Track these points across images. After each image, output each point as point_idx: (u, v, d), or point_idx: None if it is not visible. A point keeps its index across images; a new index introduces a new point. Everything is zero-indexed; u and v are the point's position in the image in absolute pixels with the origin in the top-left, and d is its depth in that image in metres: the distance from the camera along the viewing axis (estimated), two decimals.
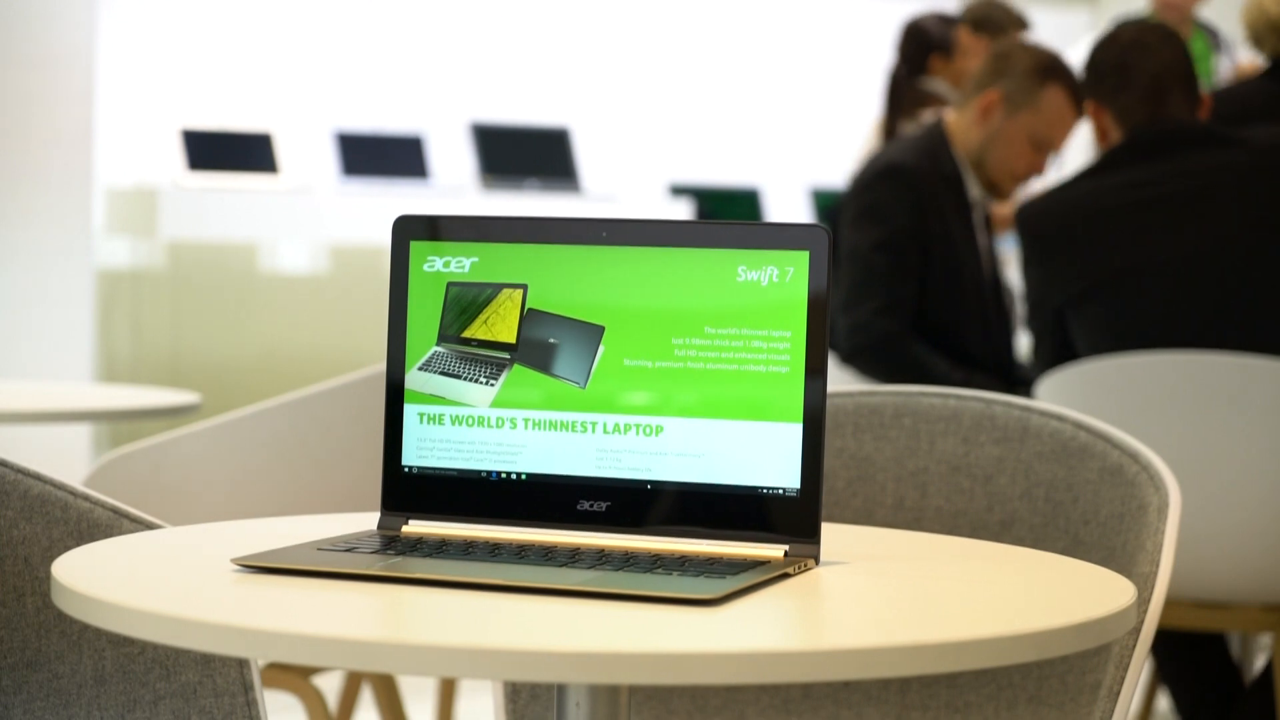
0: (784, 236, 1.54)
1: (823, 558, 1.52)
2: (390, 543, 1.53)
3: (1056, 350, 3.34)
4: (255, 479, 2.84)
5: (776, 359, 1.53)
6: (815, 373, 1.52)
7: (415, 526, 1.60)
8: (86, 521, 1.79)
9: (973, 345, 3.77)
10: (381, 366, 2.25)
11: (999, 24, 5.55)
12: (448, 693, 3.40)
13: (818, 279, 1.52)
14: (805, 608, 1.40)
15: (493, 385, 1.59)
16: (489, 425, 1.59)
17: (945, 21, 5.84)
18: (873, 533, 1.72)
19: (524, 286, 1.59)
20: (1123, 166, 3.28)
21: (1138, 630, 1.74)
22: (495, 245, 1.60)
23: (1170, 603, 2.96)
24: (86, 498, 1.79)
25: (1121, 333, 3.19)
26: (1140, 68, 3.30)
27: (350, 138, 6.21)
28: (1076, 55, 6.21)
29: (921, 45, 5.78)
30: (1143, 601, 1.75)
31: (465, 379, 1.60)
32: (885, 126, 5.34)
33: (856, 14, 7.58)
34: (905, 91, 5.51)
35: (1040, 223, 3.32)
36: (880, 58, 6.74)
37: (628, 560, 1.46)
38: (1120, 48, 3.34)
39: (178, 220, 5.77)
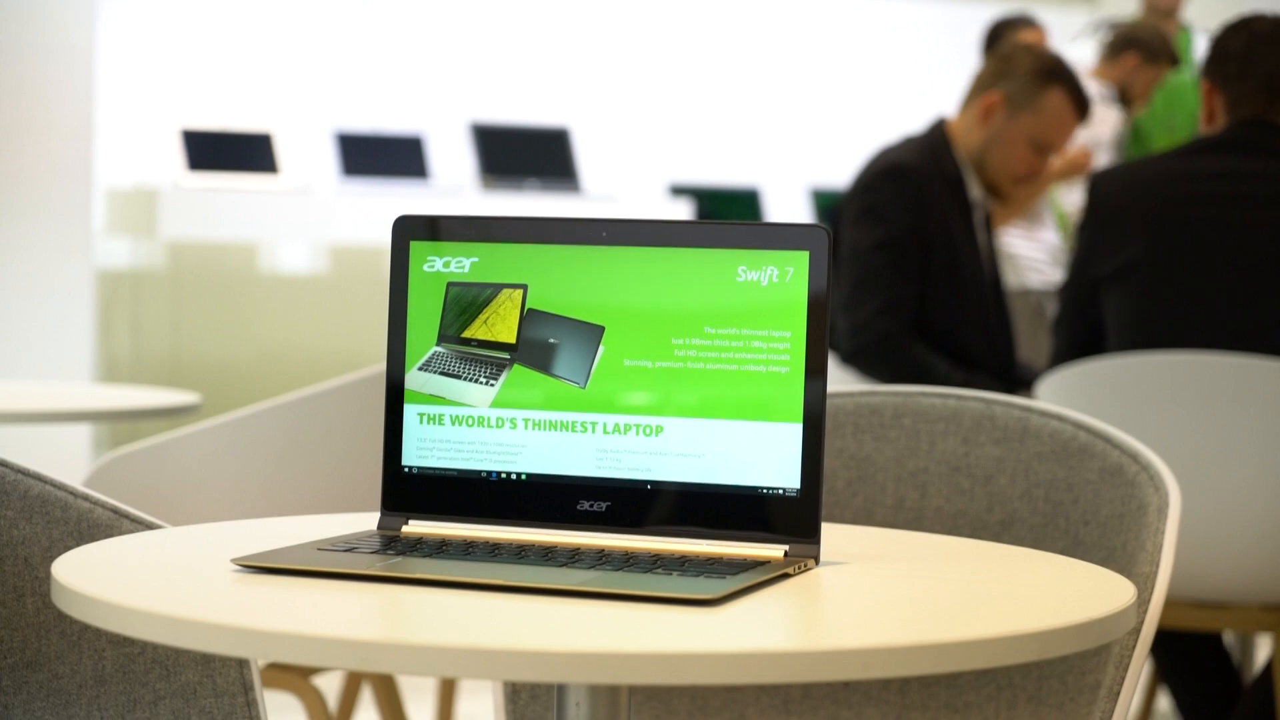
0: (784, 236, 1.54)
1: (823, 558, 1.52)
2: (390, 543, 1.53)
3: (1074, 328, 3.33)
4: (255, 479, 2.84)
5: (776, 359, 1.53)
6: (815, 373, 1.52)
7: (415, 526, 1.60)
8: (86, 522, 1.79)
9: (973, 345, 3.77)
10: (381, 366, 2.25)
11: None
12: (448, 693, 3.40)
13: (818, 279, 1.52)
14: (805, 608, 1.40)
15: (493, 385, 1.59)
16: (489, 425, 1.59)
17: (1019, 22, 6.01)
18: (873, 533, 1.72)
19: (524, 286, 1.59)
20: (1207, 155, 3.27)
21: (1138, 630, 1.74)
22: (495, 245, 1.60)
23: (1170, 603, 2.96)
24: (86, 498, 1.79)
25: (1139, 321, 3.20)
26: (1263, 61, 3.28)
27: (350, 138, 6.21)
28: (1078, 54, 6.25)
29: (985, 41, 5.99)
30: (1143, 602, 1.75)
31: (465, 379, 1.60)
32: None
33: (857, 14, 7.57)
34: None
35: (1105, 192, 3.33)
36: (881, 58, 6.74)
37: (628, 560, 1.46)
38: (1249, 36, 3.33)
39: (178, 220, 5.78)
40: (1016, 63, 3.82)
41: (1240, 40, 3.32)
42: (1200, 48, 6.47)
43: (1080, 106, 3.83)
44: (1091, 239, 3.32)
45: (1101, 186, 3.35)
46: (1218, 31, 3.41)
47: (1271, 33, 3.32)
